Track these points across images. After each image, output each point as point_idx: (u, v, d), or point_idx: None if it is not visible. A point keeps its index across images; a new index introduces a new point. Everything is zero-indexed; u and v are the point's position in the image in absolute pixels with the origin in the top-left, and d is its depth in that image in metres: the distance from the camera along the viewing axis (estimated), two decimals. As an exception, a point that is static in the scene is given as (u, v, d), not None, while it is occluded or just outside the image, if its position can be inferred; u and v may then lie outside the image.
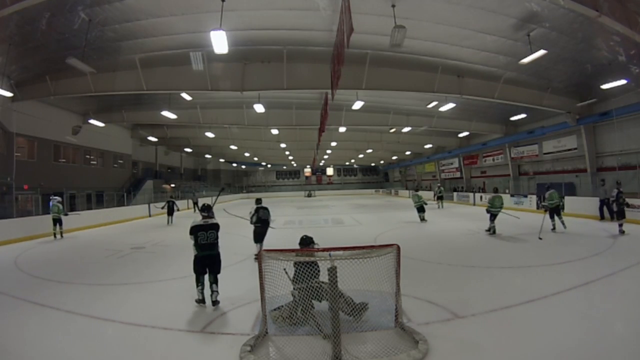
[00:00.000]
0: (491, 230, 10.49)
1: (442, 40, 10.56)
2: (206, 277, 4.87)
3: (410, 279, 5.00)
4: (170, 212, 16.62)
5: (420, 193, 14.95)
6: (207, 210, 5.11)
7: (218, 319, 4.28)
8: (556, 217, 10.59)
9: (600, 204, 12.52)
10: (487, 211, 10.69)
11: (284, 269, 3.79)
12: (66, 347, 3.67)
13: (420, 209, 14.21)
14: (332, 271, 3.35)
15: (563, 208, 11.51)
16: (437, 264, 6.95)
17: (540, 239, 8.89)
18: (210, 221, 4.97)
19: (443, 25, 9.52)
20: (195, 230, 4.84)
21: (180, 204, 19.82)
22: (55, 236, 12.09)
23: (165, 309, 4.71)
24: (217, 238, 4.91)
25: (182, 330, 3.98)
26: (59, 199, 12.64)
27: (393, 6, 8.23)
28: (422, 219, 14.03)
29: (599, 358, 3.17)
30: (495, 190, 12.10)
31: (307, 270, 3.70)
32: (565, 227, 10.36)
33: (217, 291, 4.76)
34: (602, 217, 12.40)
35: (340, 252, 3.62)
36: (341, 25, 6.66)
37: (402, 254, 3.75)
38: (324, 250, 3.77)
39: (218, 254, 4.94)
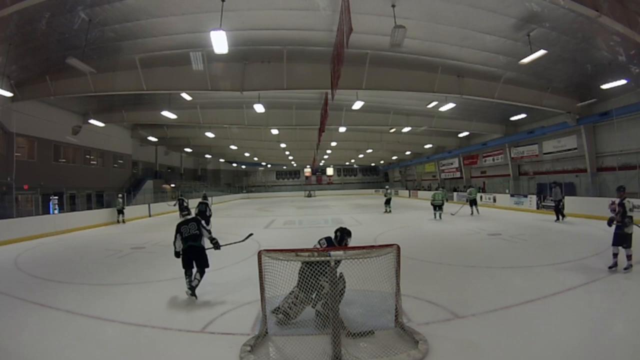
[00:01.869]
0: (436, 217, 14.72)
1: (442, 40, 10.55)
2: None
3: (410, 279, 5.01)
4: (181, 209, 17.83)
5: (441, 192, 15.95)
6: (186, 209, 5.74)
7: (218, 319, 4.28)
8: (474, 207, 16.38)
9: (555, 205, 13.25)
10: (431, 204, 15.07)
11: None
12: (66, 347, 3.67)
13: (439, 207, 15.03)
14: (332, 271, 3.35)
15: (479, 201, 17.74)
16: (437, 264, 6.96)
17: (453, 214, 13.80)
18: (190, 217, 5.41)
19: (443, 25, 9.51)
20: (179, 226, 5.21)
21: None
22: (118, 222, 16.66)
23: (166, 309, 4.72)
24: (198, 229, 5.14)
25: (182, 330, 3.98)
26: (121, 195, 17.64)
27: (393, 6, 8.23)
28: (439, 217, 14.86)
29: (599, 358, 3.17)
30: (437, 188, 15.99)
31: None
32: (479, 213, 16.10)
33: (198, 279, 5.02)
34: (558, 218, 12.94)
35: (341, 252, 3.61)
36: (341, 25, 6.67)
37: (402, 254, 3.75)
38: (324, 250, 3.77)
39: (202, 248, 5.15)
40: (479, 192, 24.47)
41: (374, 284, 3.68)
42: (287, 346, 3.48)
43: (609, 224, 5.86)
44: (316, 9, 8.50)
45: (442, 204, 15.07)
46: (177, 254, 5.26)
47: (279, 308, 3.97)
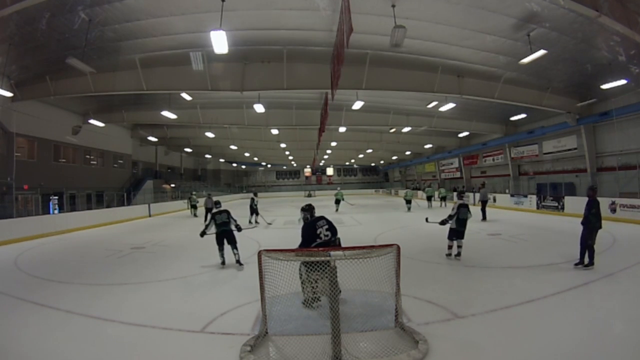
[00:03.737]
0: (408, 210, 19.05)
1: (442, 40, 10.55)
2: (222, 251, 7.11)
3: (410, 279, 5.00)
4: (193, 206, 20.81)
5: (411, 190, 21.81)
6: (218, 203, 7.54)
7: (218, 319, 4.27)
8: (443, 202, 21.88)
9: (482, 205, 14.44)
10: (404, 199, 20.28)
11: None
12: (66, 347, 3.67)
13: (409, 201, 20.08)
14: (332, 271, 3.34)
15: (443, 197, 22.59)
16: (437, 264, 6.96)
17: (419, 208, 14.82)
18: (222, 208, 7.30)
19: (443, 25, 9.51)
20: (214, 215, 7.13)
21: (181, 204, 24.52)
22: (195, 215, 19.36)
23: (165, 309, 4.71)
24: (228, 218, 7.09)
25: (182, 330, 3.98)
26: (195, 192, 20.87)
27: (393, 6, 8.23)
28: (409, 209, 19.09)
29: (599, 358, 3.17)
30: (406, 187, 23.66)
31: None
32: (429, 207, 20.76)
33: (237, 254, 6.99)
34: (484, 218, 14.08)
35: (340, 252, 3.61)
36: (341, 25, 6.66)
37: (402, 254, 3.75)
38: (324, 250, 3.77)
39: (231, 231, 7.06)
40: (479, 191, 24.67)
41: (374, 284, 3.68)
42: (287, 346, 3.48)
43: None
44: (316, 9, 8.50)
45: (411, 199, 20.00)
46: (202, 234, 7.24)
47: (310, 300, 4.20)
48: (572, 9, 7.86)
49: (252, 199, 15.36)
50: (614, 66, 11.34)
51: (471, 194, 23.47)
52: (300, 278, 4.17)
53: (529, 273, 5.98)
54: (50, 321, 4.37)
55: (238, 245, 7.06)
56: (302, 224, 4.83)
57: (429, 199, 22.05)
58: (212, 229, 7.06)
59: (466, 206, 7.45)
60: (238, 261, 6.89)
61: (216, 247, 7.10)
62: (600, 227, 6.06)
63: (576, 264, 6.13)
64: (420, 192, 28.99)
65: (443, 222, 7.33)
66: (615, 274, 5.66)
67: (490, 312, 4.24)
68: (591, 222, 6.03)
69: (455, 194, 17.70)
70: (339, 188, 25.00)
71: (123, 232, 13.47)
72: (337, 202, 21.13)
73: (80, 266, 7.66)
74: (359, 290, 3.84)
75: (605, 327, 3.86)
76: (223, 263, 7.02)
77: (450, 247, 7.38)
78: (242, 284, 5.67)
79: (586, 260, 6.01)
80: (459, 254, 7.27)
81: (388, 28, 8.17)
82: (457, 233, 7.26)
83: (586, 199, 6.30)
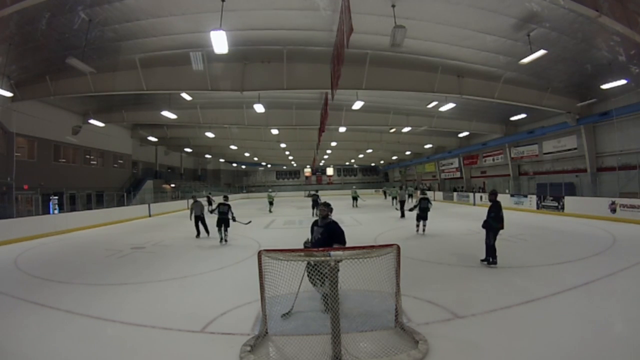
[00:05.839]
0: (394, 205, 21.47)
1: (442, 40, 10.55)
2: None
3: (410, 279, 5.01)
4: (209, 203, 21.93)
5: (395, 189, 24.99)
6: (226, 198, 10.23)
7: (218, 319, 4.27)
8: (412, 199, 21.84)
9: (400, 205, 16.90)
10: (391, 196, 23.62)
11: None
12: (66, 347, 3.66)
13: (394, 198, 22.78)
14: (333, 271, 3.34)
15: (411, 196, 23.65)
16: (437, 264, 6.96)
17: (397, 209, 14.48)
18: (226, 202, 10.00)
19: (443, 25, 9.51)
20: (219, 205, 9.90)
21: (181, 204, 25.05)
22: (270, 211, 21.83)
23: (165, 309, 4.71)
24: (228, 211, 9.75)
25: (182, 330, 3.98)
26: (271, 189, 23.22)
27: (393, 6, 8.23)
28: (393, 205, 21.67)
29: (599, 358, 3.17)
30: (394, 187, 27.25)
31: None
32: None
33: (227, 235, 9.80)
34: (402, 216, 16.00)
35: (340, 252, 3.61)
36: (341, 25, 6.66)
37: (402, 254, 3.75)
38: (324, 250, 3.77)
39: (228, 219, 9.72)
40: (480, 191, 24.71)
41: (374, 284, 3.67)
42: (287, 346, 3.48)
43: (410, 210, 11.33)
44: (316, 9, 8.50)
45: (396, 197, 21.98)
46: (211, 212, 9.73)
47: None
48: (572, 9, 7.86)
49: (317, 196, 18.28)
50: (614, 66, 11.34)
51: (471, 194, 23.59)
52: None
53: (529, 273, 5.99)
54: (50, 321, 4.36)
55: (236, 234, 9.77)
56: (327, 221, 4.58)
57: (409, 196, 26.68)
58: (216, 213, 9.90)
59: (427, 199, 10.78)
60: (225, 239, 9.65)
61: (218, 237, 9.76)
62: (501, 228, 6.55)
63: (482, 260, 6.77)
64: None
65: (411, 209, 11.14)
66: (615, 274, 5.67)
67: (490, 312, 4.24)
68: (491, 224, 6.55)
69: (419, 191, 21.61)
70: (354, 187, 28.75)
71: (123, 232, 13.46)
72: (354, 199, 24.24)
73: (80, 266, 7.66)
74: (359, 290, 3.83)
75: (606, 327, 3.86)
76: (221, 240, 9.61)
77: (417, 226, 10.77)
78: (242, 284, 5.66)
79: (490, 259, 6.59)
80: (424, 231, 10.59)
81: (388, 28, 8.17)
82: (420, 217, 10.65)
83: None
